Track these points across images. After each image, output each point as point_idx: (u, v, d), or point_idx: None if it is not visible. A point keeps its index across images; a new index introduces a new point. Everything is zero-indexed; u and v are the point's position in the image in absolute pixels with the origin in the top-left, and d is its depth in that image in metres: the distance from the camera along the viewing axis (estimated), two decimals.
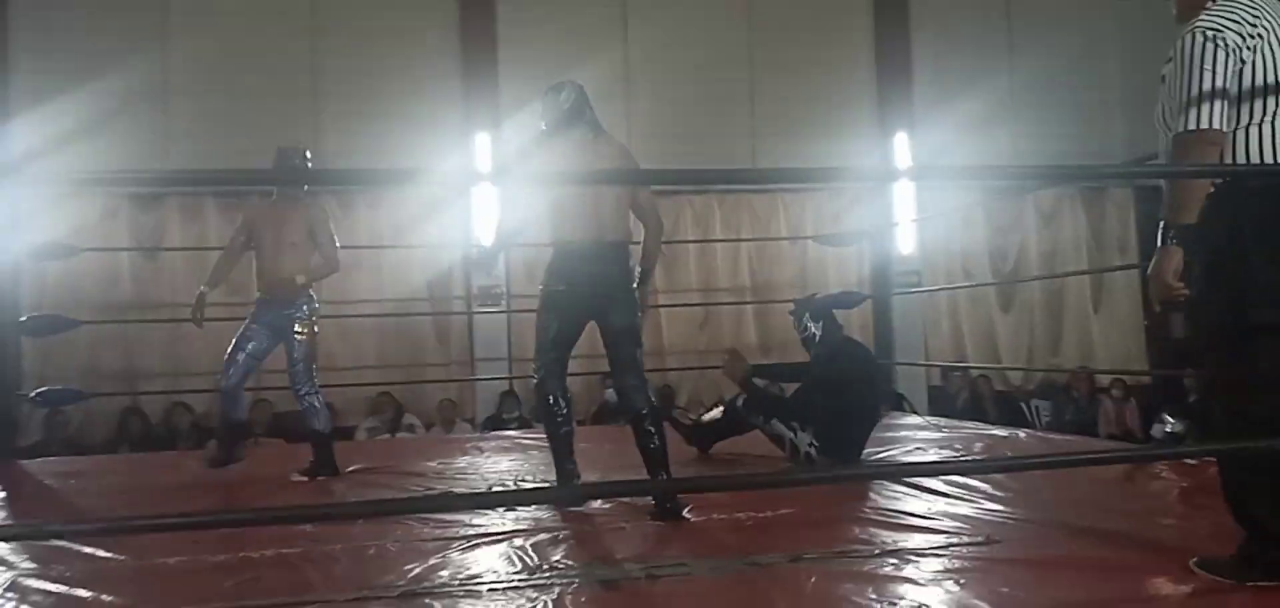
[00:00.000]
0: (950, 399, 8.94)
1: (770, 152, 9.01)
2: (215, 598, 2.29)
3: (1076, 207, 9.72)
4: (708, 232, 8.96)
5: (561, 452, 3.51)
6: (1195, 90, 2.05)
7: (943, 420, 6.48)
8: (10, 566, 2.60)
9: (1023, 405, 8.99)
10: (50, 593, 2.34)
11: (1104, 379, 8.84)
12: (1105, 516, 2.93)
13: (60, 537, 2.80)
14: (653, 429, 3.28)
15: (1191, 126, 2.06)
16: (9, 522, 3.60)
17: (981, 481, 3.47)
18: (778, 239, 9.02)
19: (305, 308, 4.22)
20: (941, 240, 9.35)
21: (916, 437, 5.28)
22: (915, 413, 7.74)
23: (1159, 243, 2.15)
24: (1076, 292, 9.69)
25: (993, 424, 6.79)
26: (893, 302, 8.61)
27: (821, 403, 4.15)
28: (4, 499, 4.06)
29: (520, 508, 3.17)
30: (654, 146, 8.76)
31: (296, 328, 4.18)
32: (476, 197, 8.27)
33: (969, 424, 6.50)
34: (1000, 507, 3.05)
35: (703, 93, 8.97)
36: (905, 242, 9.17)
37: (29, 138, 7.54)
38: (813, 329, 4.37)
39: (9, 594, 2.33)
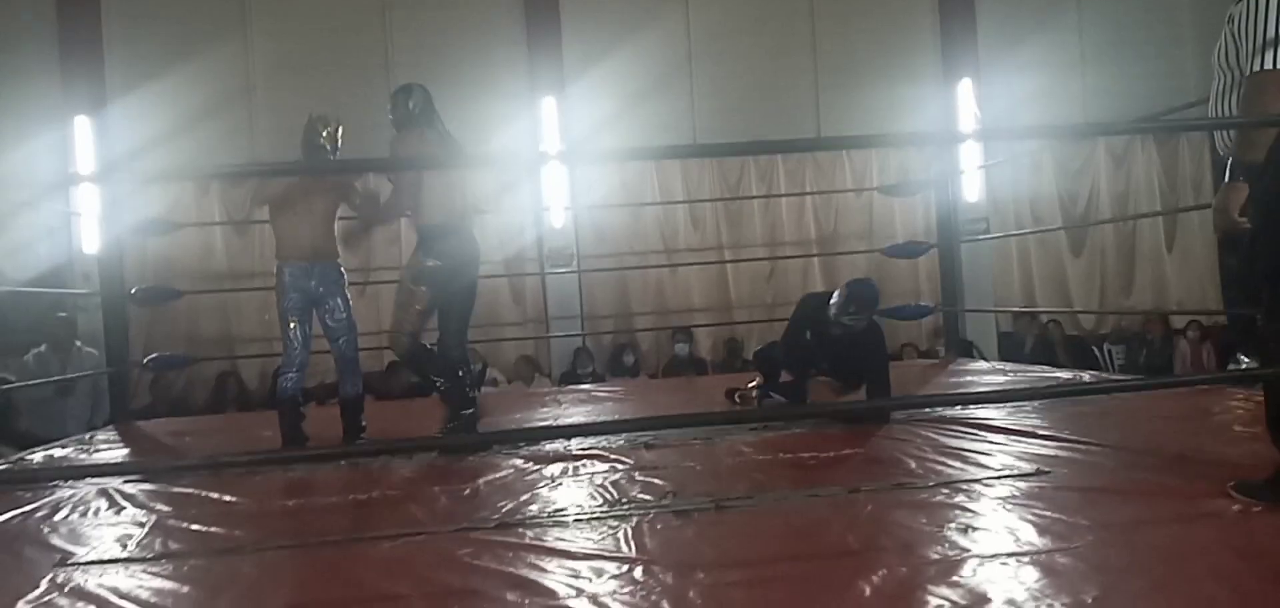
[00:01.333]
0: (1020, 345, 8.96)
1: (833, 103, 9.08)
2: (333, 531, 2.58)
3: (1149, 147, 9.56)
4: (771, 186, 9.08)
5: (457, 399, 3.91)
6: (1271, 32, 2.14)
7: (1009, 365, 6.56)
8: (152, 509, 2.94)
9: (1095, 350, 8.96)
10: (192, 531, 2.65)
11: (1179, 321, 8.75)
12: (1157, 448, 3.06)
13: (216, 467, 3.14)
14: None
15: (1268, 65, 2.15)
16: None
17: (1039, 420, 3.62)
18: (842, 192, 9.09)
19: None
20: (1009, 186, 9.31)
21: (981, 380, 5.39)
22: (984, 359, 7.82)
23: (1226, 177, 2.25)
24: (1150, 233, 9.56)
25: (1063, 368, 6.84)
26: (960, 250, 8.68)
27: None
28: (129, 454, 4.47)
29: (603, 450, 3.41)
30: (717, 103, 8.95)
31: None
32: (547, 165, 8.53)
33: (1035, 368, 6.57)
34: (1054, 443, 3.19)
35: (765, 46, 9.07)
36: (972, 189, 9.16)
37: (125, 125, 8.03)
38: (847, 322, 4.08)
39: (156, 531, 2.65)
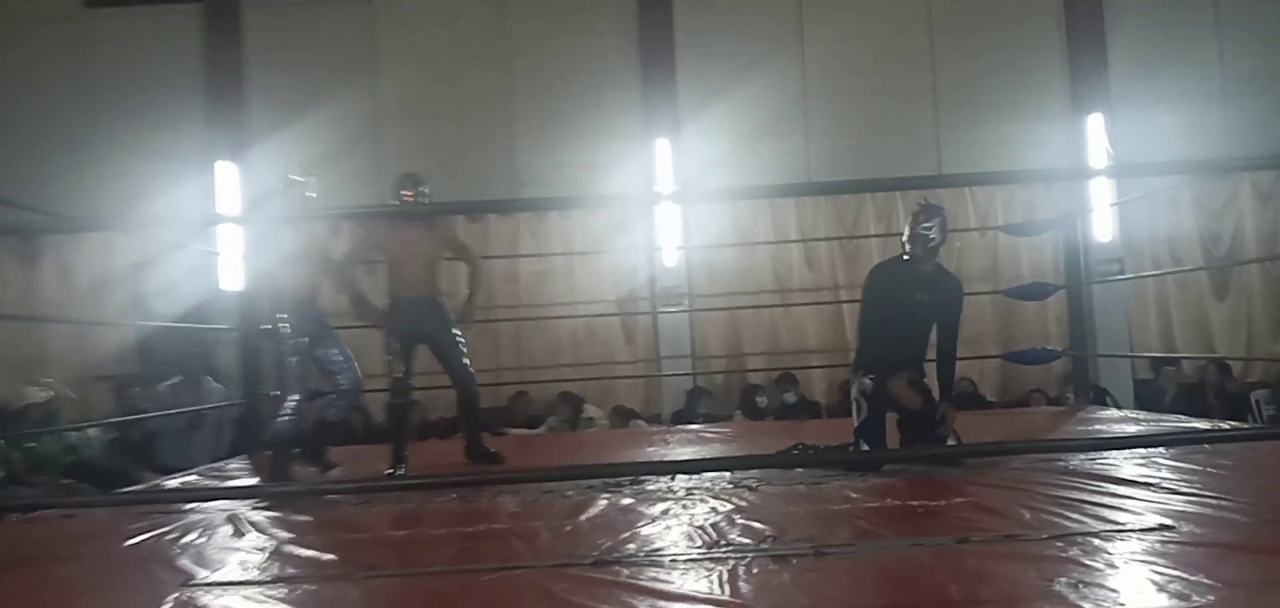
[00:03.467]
0: (1160, 393, 8.46)
1: (955, 139, 8.86)
2: (439, 561, 2.65)
3: None
4: (890, 226, 8.89)
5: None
6: None
7: (1144, 414, 6.21)
8: (272, 535, 3.08)
9: (1251, 398, 8.36)
10: (306, 556, 2.77)
11: None
12: None
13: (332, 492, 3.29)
14: None
15: None
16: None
17: (1170, 472, 3.41)
18: (965, 230, 8.82)
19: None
20: (1145, 225, 8.85)
21: (1110, 429, 5.12)
22: (1117, 407, 7.42)
23: None
24: None
25: (1213, 418, 6.45)
26: (1092, 292, 8.29)
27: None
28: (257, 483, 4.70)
29: (707, 488, 3.39)
30: (832, 141, 8.86)
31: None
32: (660, 205, 8.60)
33: (1169, 418, 6.20)
34: (1183, 496, 3.00)
35: (882, 85, 8.94)
36: (1103, 228, 8.76)
37: (266, 164, 8.52)
38: (930, 237, 4.04)
39: (274, 556, 2.78)
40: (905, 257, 4.17)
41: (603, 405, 8.21)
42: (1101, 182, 8.76)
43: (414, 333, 4.65)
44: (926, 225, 4.04)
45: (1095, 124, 8.79)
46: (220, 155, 8.66)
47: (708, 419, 7.46)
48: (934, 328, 4.18)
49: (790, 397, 8.02)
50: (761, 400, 8.04)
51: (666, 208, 8.66)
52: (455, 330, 4.73)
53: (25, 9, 8.90)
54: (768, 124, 8.81)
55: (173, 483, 4.67)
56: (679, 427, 6.74)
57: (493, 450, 4.85)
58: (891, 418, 4.12)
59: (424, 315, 4.65)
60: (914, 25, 9.04)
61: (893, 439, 4.10)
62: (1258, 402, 8.33)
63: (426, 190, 4.68)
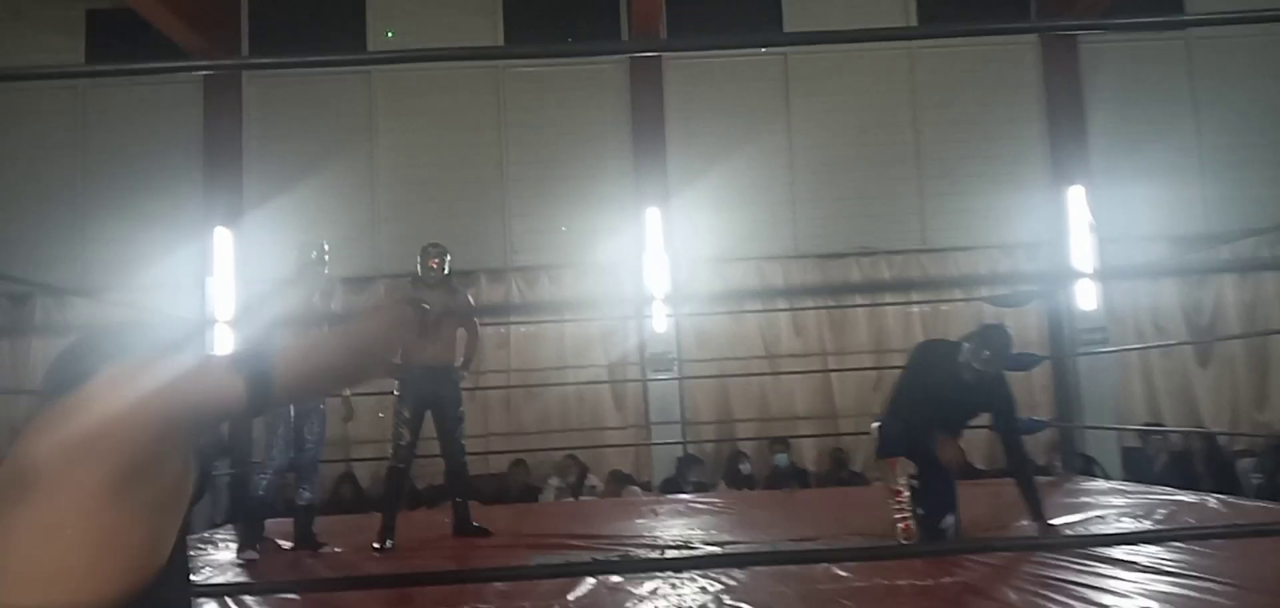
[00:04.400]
0: (1147, 462, 8.51)
1: (938, 208, 9.00)
2: None
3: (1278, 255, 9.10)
4: (877, 294, 8.99)
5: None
6: None
7: (1133, 485, 6.25)
8: None
9: (1237, 467, 8.41)
10: None
11: None
12: None
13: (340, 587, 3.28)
14: None
15: None
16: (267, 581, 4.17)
17: (1166, 550, 3.44)
18: (949, 300, 8.92)
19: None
20: (1128, 294, 8.98)
21: (1101, 501, 5.16)
22: (1105, 477, 7.46)
23: None
24: None
25: (1201, 487, 6.49)
26: (1078, 362, 8.38)
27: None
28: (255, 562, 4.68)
29: (698, 561, 3.41)
30: (818, 210, 8.99)
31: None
32: (649, 268, 8.67)
33: (1158, 489, 6.24)
34: (1179, 579, 3.03)
35: (867, 155, 9.09)
36: (1087, 297, 8.88)
37: (261, 224, 8.59)
38: (979, 368, 3.97)
39: None
40: (960, 349, 4.07)
41: (596, 470, 8.22)
42: (1085, 253, 8.88)
43: (426, 401, 4.71)
44: (987, 359, 3.97)
45: (1076, 195, 8.94)
46: (217, 221, 8.71)
47: (698, 487, 7.47)
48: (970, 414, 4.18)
49: (782, 459, 8.04)
50: (745, 467, 8.06)
51: (656, 273, 8.73)
52: (462, 406, 4.81)
53: (27, 71, 8.98)
54: (755, 192, 8.94)
55: None
56: (669, 497, 6.74)
57: (479, 526, 4.85)
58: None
59: (439, 385, 4.71)
60: (898, 97, 9.23)
61: None
62: (1245, 471, 8.38)
63: (449, 260, 4.85)
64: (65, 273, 8.60)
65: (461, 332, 4.99)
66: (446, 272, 4.89)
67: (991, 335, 4.01)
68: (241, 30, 9.20)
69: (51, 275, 8.50)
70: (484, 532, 4.79)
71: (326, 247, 4.85)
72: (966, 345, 4.02)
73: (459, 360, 4.90)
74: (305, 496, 4.59)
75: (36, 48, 9.09)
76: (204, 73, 8.97)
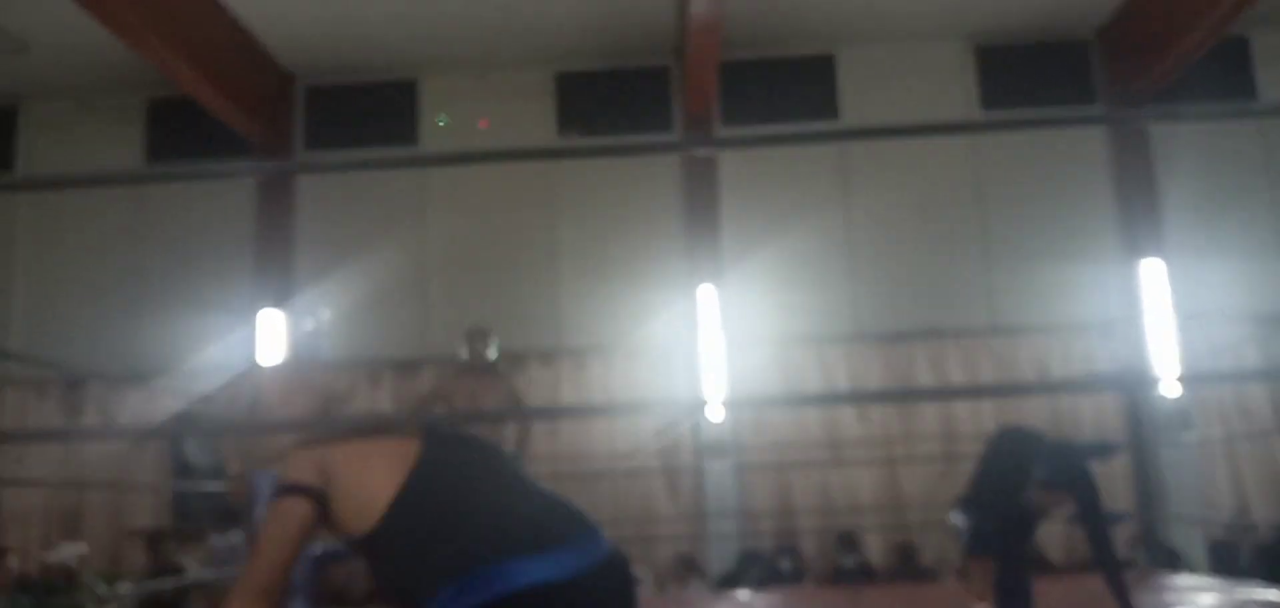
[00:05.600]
0: (1234, 554, 7.97)
1: (1007, 285, 8.66)
2: None
3: None
4: (943, 378, 8.62)
5: None
6: None
7: (1218, 579, 5.80)
8: None
9: None
10: None
11: None
12: None
13: None
14: None
15: None
16: None
17: None
18: (1023, 392, 8.51)
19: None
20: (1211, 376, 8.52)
21: (1183, 598, 4.75)
22: (1190, 571, 6.99)
23: None
24: None
25: None
26: (1158, 448, 7.91)
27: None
28: None
29: None
30: (880, 285, 8.69)
31: None
32: (704, 350, 8.41)
33: (1246, 583, 5.77)
34: None
35: (930, 233, 8.80)
36: (1167, 381, 8.43)
37: (310, 311, 8.50)
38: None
39: None
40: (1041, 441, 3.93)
41: (649, 564, 7.90)
42: (1164, 335, 8.44)
43: None
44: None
45: (1151, 269, 8.53)
46: (265, 303, 8.67)
47: (758, 584, 7.10)
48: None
49: (849, 560, 7.64)
50: (785, 565, 7.70)
51: (712, 357, 8.46)
52: None
53: (88, 165, 9.13)
54: (813, 272, 8.69)
55: None
56: (726, 592, 6.40)
57: None
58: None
59: None
60: (960, 174, 8.96)
61: None
62: None
63: (496, 343, 4.64)
64: (116, 360, 8.59)
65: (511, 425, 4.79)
66: (493, 356, 4.67)
67: (1060, 460, 3.77)
68: (296, 115, 9.27)
69: (106, 363, 8.51)
70: None
71: (327, 317, 4.62)
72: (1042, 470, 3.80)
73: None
74: None
75: (101, 138, 9.25)
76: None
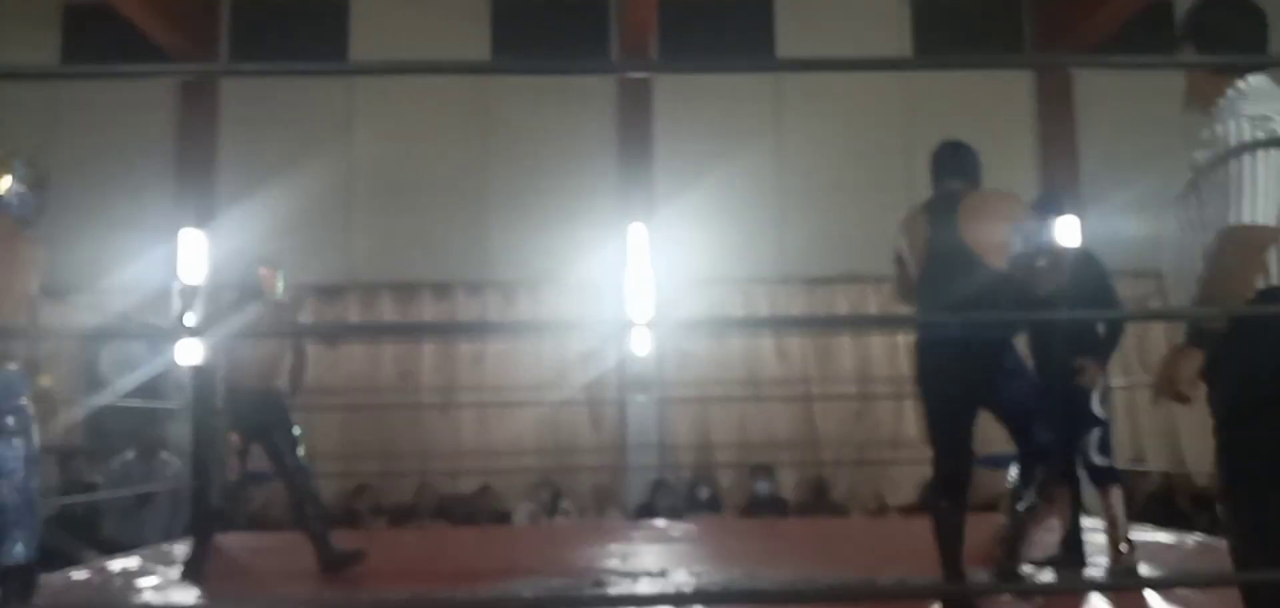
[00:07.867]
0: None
1: None
2: None
3: None
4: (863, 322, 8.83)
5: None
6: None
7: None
8: None
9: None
10: None
11: None
12: None
13: None
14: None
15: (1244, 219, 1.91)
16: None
17: None
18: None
19: None
20: None
21: None
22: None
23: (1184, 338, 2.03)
24: None
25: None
26: None
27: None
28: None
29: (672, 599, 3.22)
30: (807, 228, 8.82)
31: None
32: (630, 284, 8.46)
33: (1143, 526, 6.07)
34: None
35: (858, 178, 8.92)
36: None
37: (233, 233, 8.34)
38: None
39: None
40: None
41: (569, 493, 8.02)
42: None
43: (252, 430, 4.56)
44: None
45: (1070, 223, 8.78)
46: (186, 223, 8.46)
47: (672, 514, 7.27)
48: None
49: (764, 486, 7.86)
50: (703, 493, 7.90)
51: (639, 292, 8.52)
52: (295, 428, 4.63)
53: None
54: (743, 211, 8.77)
55: (116, 565, 4.45)
56: (643, 521, 6.55)
57: (349, 552, 4.46)
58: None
59: (265, 410, 4.57)
60: (891, 124, 9.08)
61: None
62: None
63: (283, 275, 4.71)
64: None
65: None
66: (280, 289, 4.74)
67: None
68: (221, 28, 8.99)
69: None
70: (358, 555, 4.45)
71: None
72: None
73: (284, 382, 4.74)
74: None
75: (12, 42, 8.87)
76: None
